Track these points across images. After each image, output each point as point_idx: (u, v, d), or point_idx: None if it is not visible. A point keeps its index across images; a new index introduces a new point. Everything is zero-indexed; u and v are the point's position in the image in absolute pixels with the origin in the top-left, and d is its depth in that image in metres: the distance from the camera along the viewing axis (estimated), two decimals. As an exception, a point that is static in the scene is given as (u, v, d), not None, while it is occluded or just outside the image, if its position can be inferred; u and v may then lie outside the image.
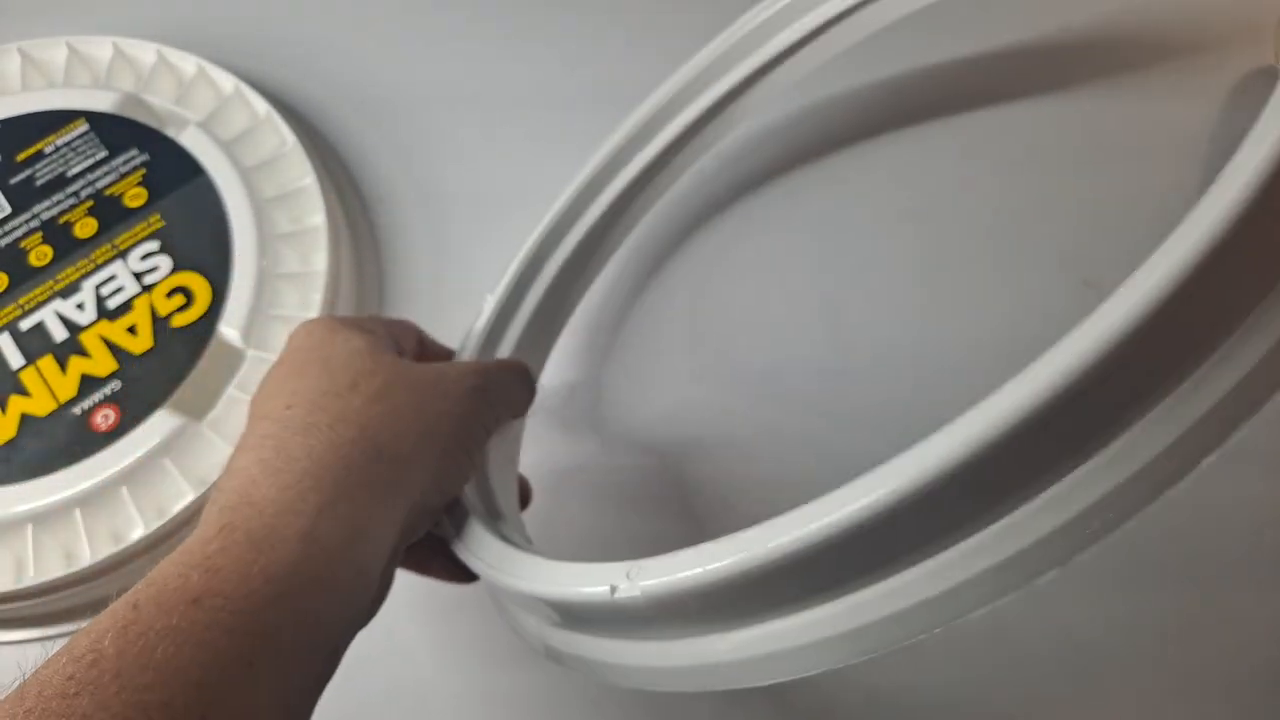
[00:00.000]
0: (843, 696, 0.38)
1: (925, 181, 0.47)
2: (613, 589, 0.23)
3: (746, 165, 0.48)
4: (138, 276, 0.44)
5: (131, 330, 0.42)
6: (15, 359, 0.42)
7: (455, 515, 0.32)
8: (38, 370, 0.42)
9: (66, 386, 0.41)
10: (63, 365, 0.42)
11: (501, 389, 0.32)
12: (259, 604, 0.23)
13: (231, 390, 0.41)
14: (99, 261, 0.44)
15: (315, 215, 0.45)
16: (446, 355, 0.37)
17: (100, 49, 0.50)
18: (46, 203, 0.46)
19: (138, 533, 0.39)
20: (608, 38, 0.52)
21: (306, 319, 0.31)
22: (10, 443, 0.41)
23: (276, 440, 0.27)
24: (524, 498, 0.38)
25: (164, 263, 0.44)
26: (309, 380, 0.28)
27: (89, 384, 0.41)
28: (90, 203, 0.46)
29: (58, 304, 0.43)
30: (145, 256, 0.44)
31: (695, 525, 0.41)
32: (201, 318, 0.42)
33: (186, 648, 0.21)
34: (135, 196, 0.46)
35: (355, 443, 0.27)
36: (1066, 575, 0.19)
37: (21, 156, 0.47)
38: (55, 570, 0.39)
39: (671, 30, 0.52)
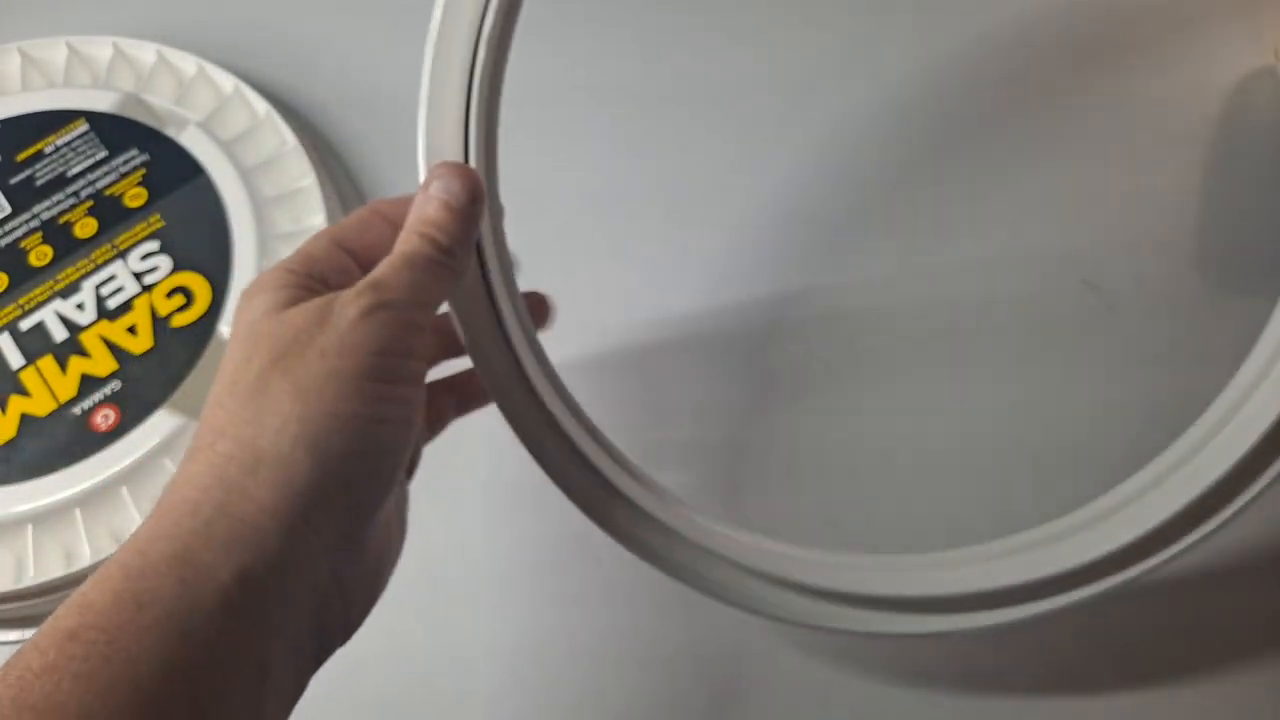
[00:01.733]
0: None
1: (926, 182, 0.47)
2: None
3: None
4: (138, 276, 0.44)
5: (131, 330, 0.42)
6: (15, 359, 0.42)
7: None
8: (38, 370, 0.42)
9: (66, 386, 0.41)
10: (63, 365, 0.42)
11: (410, 291, 0.27)
12: (136, 631, 0.21)
13: (231, 390, 0.41)
14: (99, 261, 0.44)
15: (315, 215, 0.45)
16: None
17: (100, 49, 0.50)
18: (46, 203, 0.46)
19: (138, 533, 0.39)
20: (607, 37, 0.52)
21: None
22: (10, 443, 0.41)
23: (178, 474, 0.25)
24: (542, 315, 0.36)
25: (164, 263, 0.44)
26: (215, 388, 0.26)
27: (89, 384, 0.41)
28: (90, 203, 0.46)
29: (58, 304, 0.43)
30: (145, 256, 0.44)
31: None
32: (201, 318, 0.42)
33: (64, 682, 0.21)
34: (135, 196, 0.46)
35: (233, 457, 0.24)
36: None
37: (21, 156, 0.47)
38: (55, 570, 0.39)
39: (672, 30, 0.52)
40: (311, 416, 0.24)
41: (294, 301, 0.27)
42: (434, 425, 0.34)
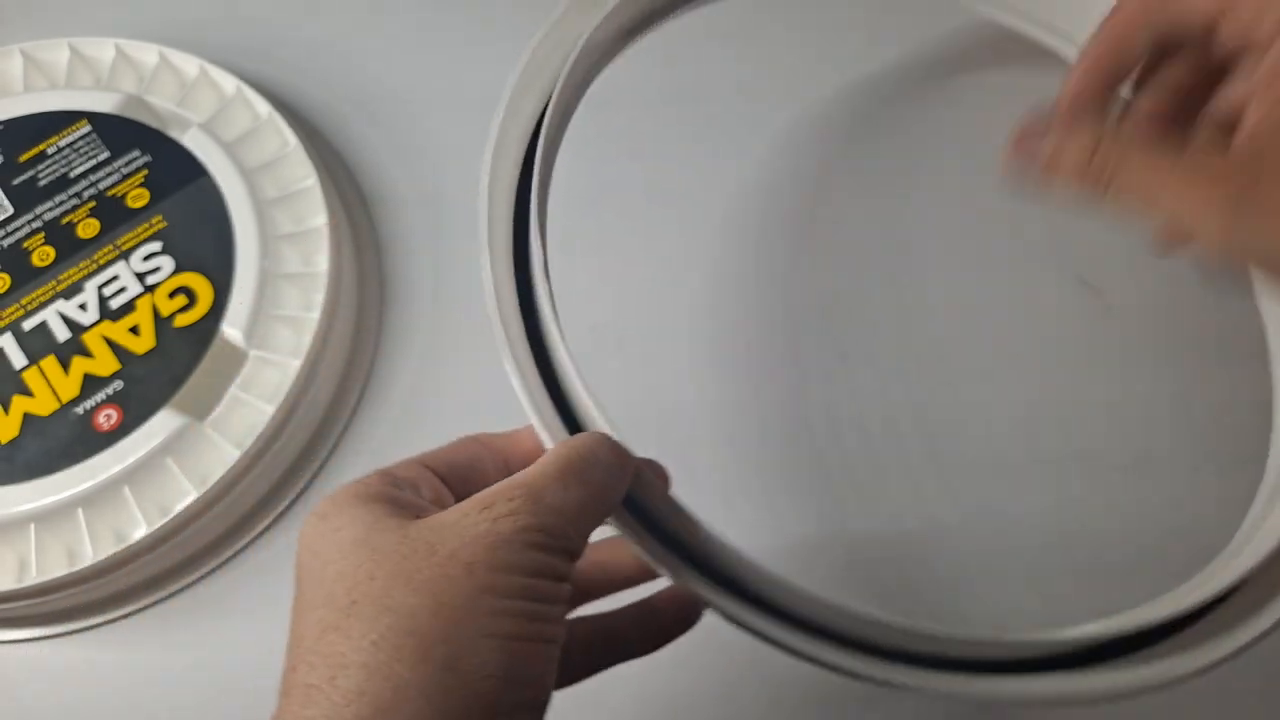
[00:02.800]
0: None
1: (926, 181, 0.47)
2: None
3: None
4: (140, 277, 0.44)
5: (134, 330, 0.42)
6: (18, 359, 0.42)
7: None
8: (40, 370, 0.42)
9: (69, 386, 0.42)
10: (65, 365, 0.42)
11: (577, 513, 0.24)
12: None
13: (234, 390, 0.41)
14: (101, 262, 0.44)
15: (317, 216, 0.45)
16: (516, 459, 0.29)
17: (102, 50, 0.51)
18: (49, 203, 0.46)
19: (140, 532, 0.39)
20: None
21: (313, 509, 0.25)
22: (13, 442, 0.41)
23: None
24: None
25: (166, 263, 0.44)
26: (310, 614, 0.22)
27: (92, 384, 0.42)
28: (93, 203, 0.46)
29: (60, 304, 0.43)
30: (148, 257, 0.44)
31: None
32: (204, 318, 0.43)
33: None
34: (138, 197, 0.46)
35: (364, 693, 0.20)
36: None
37: (24, 157, 0.47)
38: (58, 569, 0.39)
39: (673, 31, 0.52)
40: (461, 636, 0.21)
41: (393, 513, 0.23)
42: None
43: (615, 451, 0.26)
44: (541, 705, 0.23)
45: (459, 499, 0.26)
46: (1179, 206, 0.26)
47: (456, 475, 0.27)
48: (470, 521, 0.23)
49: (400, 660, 0.21)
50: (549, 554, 0.23)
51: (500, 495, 0.23)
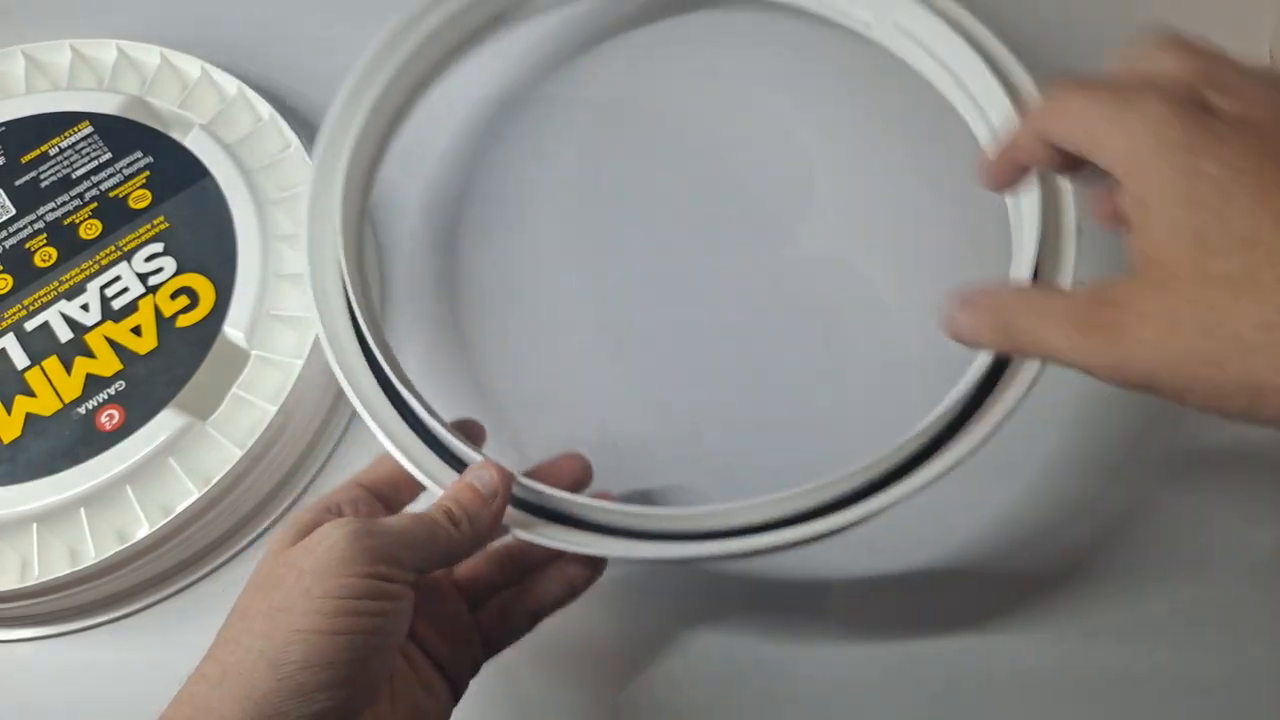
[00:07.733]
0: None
1: (923, 186, 0.47)
2: None
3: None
4: (142, 278, 0.44)
5: (136, 331, 0.43)
6: (20, 359, 0.42)
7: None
8: (43, 371, 0.42)
9: (71, 387, 0.42)
10: (68, 366, 0.42)
11: (402, 535, 0.30)
12: None
13: (236, 390, 0.41)
14: (104, 263, 0.44)
15: (318, 217, 0.45)
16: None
17: (104, 52, 0.51)
18: (51, 204, 0.46)
19: (142, 531, 0.39)
20: (606, 37, 0.52)
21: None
22: (15, 442, 0.41)
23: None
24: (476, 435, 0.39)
25: (168, 264, 0.44)
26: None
27: (94, 384, 0.42)
28: (95, 204, 0.46)
29: (63, 305, 0.44)
30: (150, 258, 0.44)
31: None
32: (206, 318, 0.43)
33: None
34: (140, 198, 0.46)
35: (206, 676, 0.27)
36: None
37: (26, 158, 0.47)
38: (60, 569, 0.39)
39: (672, 33, 0.52)
40: (277, 632, 0.27)
41: (296, 539, 0.30)
42: (460, 673, 0.34)
43: (452, 519, 0.31)
44: (346, 682, 0.27)
45: (391, 507, 0.35)
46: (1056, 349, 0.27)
47: (388, 486, 0.35)
48: (320, 536, 0.29)
49: (235, 654, 0.27)
50: (370, 556, 0.28)
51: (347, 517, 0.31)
